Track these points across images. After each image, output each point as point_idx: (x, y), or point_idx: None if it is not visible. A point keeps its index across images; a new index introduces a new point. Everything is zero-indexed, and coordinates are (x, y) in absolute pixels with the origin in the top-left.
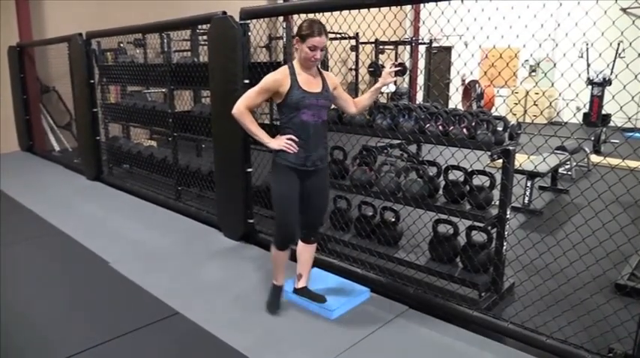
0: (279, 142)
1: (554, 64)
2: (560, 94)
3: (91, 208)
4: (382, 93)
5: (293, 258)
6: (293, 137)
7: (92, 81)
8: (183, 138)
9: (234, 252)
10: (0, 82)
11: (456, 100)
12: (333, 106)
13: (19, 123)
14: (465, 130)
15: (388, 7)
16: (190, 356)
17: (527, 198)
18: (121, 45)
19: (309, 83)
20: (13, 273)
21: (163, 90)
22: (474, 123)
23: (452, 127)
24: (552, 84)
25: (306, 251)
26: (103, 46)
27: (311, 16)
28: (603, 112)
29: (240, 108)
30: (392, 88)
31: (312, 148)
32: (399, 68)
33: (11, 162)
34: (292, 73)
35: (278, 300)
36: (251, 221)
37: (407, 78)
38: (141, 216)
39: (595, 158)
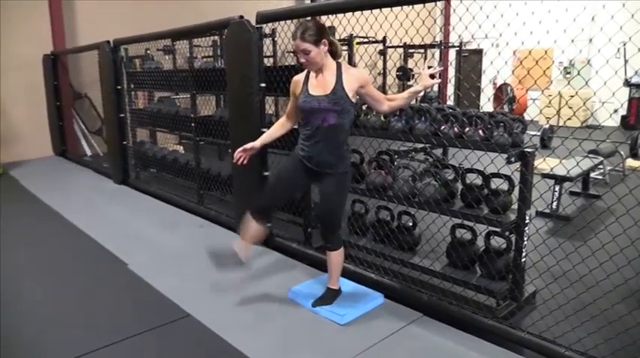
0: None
1: (587, 63)
2: (602, 98)
3: (114, 211)
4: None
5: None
6: (247, 146)
7: (119, 87)
8: (206, 142)
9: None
10: (31, 90)
11: (486, 105)
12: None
13: (52, 128)
14: (480, 132)
15: (413, 8)
16: None
17: (554, 204)
18: (148, 52)
19: (317, 86)
20: (31, 273)
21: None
22: (489, 125)
23: (467, 129)
24: (596, 88)
25: (328, 257)
26: (132, 53)
27: (324, 18)
28: None
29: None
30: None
31: (315, 153)
32: (440, 69)
33: (44, 167)
34: (307, 76)
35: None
36: (268, 225)
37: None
38: (162, 220)
39: (632, 162)
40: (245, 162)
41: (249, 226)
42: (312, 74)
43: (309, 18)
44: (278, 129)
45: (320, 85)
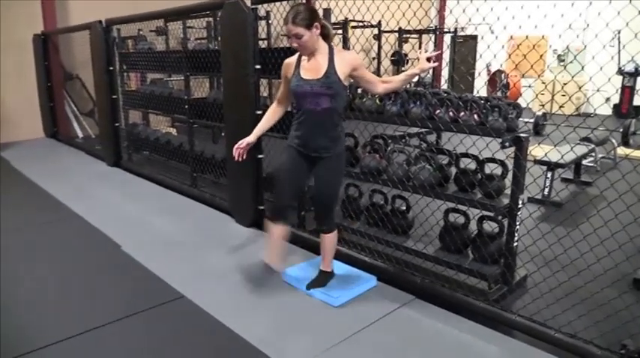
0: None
1: (584, 48)
2: (597, 85)
3: (107, 193)
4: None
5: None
6: (243, 144)
7: (111, 68)
8: (200, 124)
9: (244, 238)
10: (21, 70)
11: (481, 91)
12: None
13: (43, 110)
14: (475, 116)
15: None
16: (191, 339)
17: (546, 190)
18: (141, 32)
19: (310, 69)
20: (25, 256)
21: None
22: (484, 110)
23: (462, 113)
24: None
25: (322, 240)
26: (124, 33)
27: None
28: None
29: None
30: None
31: (310, 137)
32: (437, 52)
33: (35, 148)
34: (298, 59)
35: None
36: (262, 208)
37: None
38: (156, 202)
39: (623, 150)
40: (244, 157)
41: (272, 233)
42: (304, 57)
43: (303, 1)
44: (271, 117)
45: (312, 69)
